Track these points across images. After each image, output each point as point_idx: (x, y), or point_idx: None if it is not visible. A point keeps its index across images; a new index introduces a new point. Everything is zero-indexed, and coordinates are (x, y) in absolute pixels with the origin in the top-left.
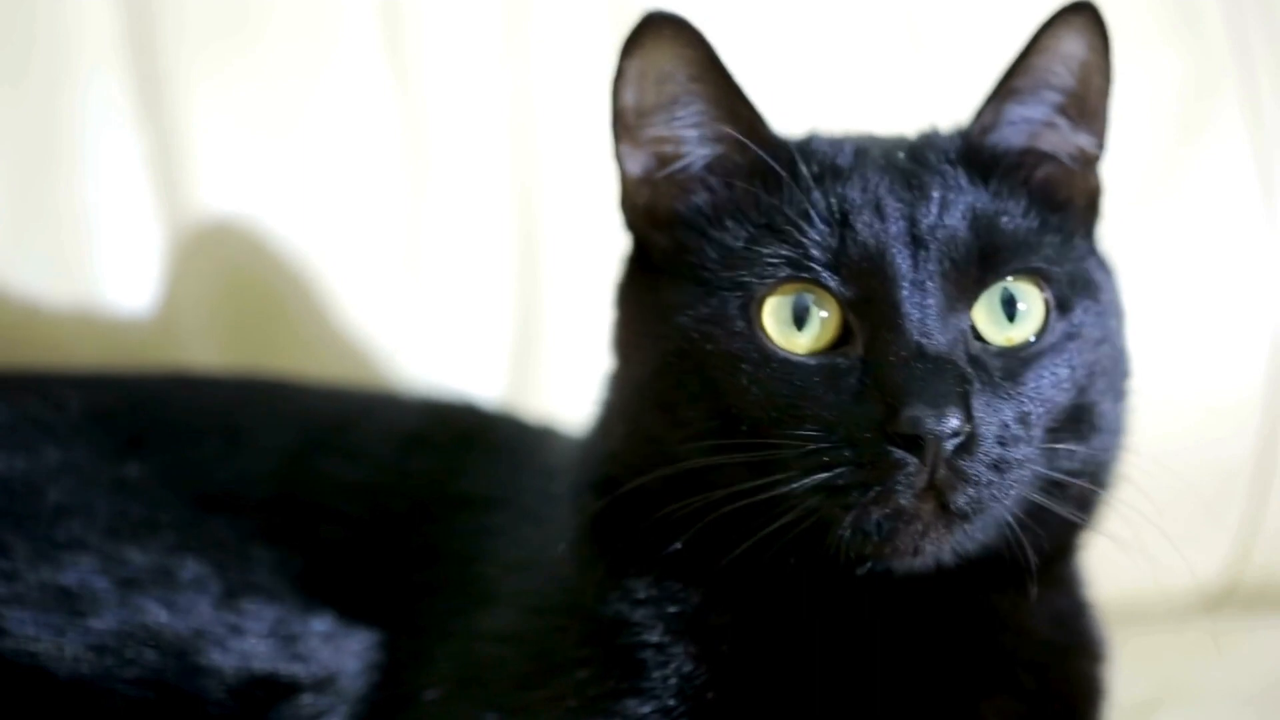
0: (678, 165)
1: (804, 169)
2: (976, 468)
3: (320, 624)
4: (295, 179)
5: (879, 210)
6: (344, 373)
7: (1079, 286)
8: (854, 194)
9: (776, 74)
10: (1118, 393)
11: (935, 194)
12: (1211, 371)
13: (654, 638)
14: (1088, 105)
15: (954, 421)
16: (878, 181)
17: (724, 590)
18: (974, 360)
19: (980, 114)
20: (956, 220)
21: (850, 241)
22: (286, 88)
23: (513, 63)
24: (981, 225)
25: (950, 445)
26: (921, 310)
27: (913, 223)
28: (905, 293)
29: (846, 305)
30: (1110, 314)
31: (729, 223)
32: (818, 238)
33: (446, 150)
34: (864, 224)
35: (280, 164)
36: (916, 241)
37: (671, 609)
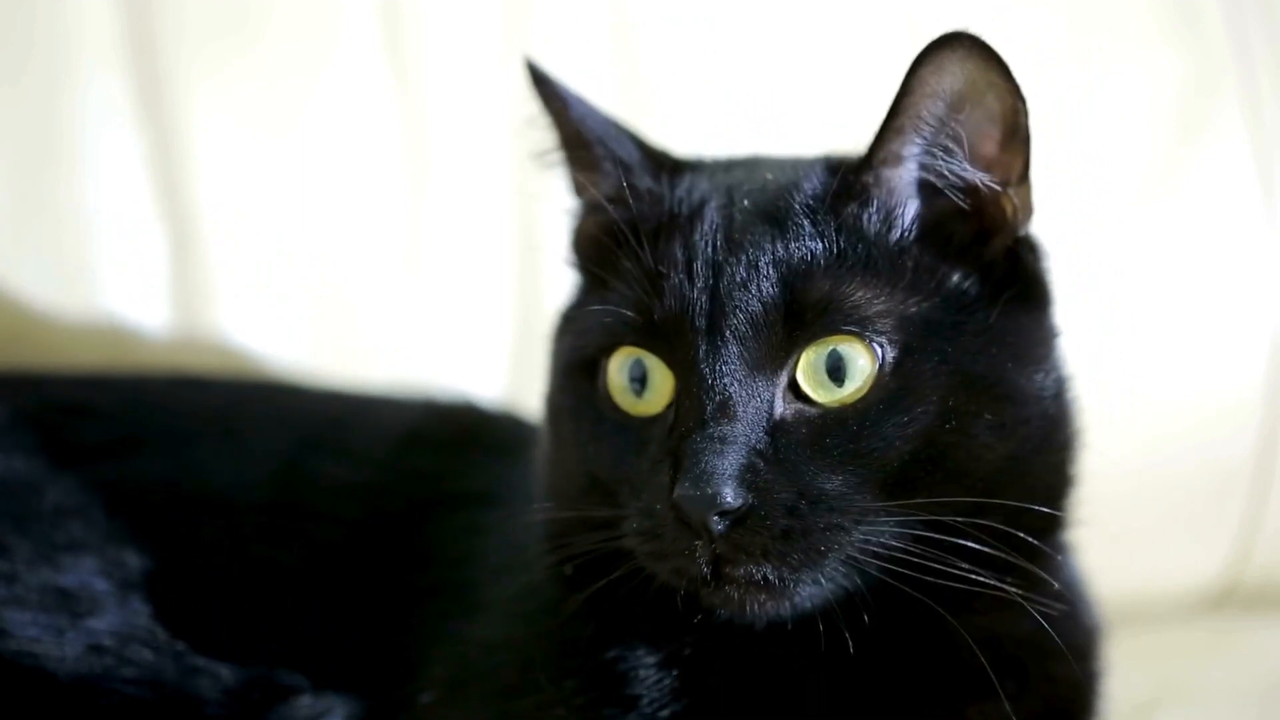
0: (578, 202)
1: (651, 224)
2: (760, 540)
3: (319, 625)
4: (295, 179)
5: (689, 269)
6: (343, 373)
7: (931, 332)
8: (676, 251)
9: (776, 74)
10: (1010, 430)
11: (750, 250)
12: (1211, 371)
13: (631, 650)
14: (979, 138)
15: (725, 500)
16: (704, 233)
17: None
18: (778, 426)
19: (868, 153)
20: (763, 278)
21: (659, 303)
22: (286, 88)
23: (513, 63)
24: (799, 282)
25: (720, 524)
26: (716, 375)
27: (716, 282)
28: (700, 357)
29: (670, 368)
30: (989, 351)
31: (585, 277)
32: (637, 298)
33: (446, 150)
34: (672, 285)
35: (280, 164)
36: (716, 303)
37: (642, 625)
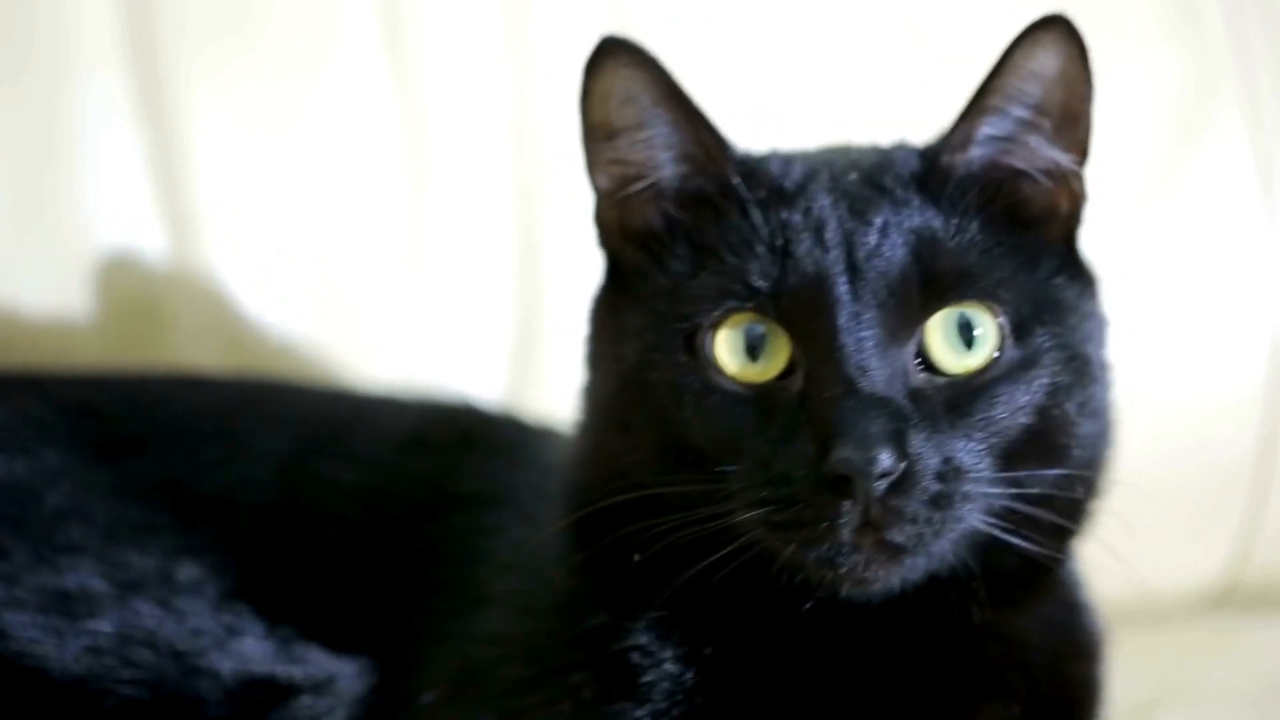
0: (638, 186)
1: (753, 194)
2: (913, 505)
3: (319, 626)
4: (295, 179)
5: (819, 236)
6: (343, 374)
7: (1041, 309)
8: (796, 219)
9: (776, 73)
10: (1093, 409)
11: (878, 219)
12: (1211, 371)
13: (642, 641)
14: (1063, 119)
15: (885, 462)
16: (823, 205)
17: (697, 603)
18: (915, 394)
19: (951, 132)
20: (897, 247)
21: (791, 270)
22: (286, 88)
23: (513, 63)
24: (926, 250)
25: (881, 486)
26: (858, 343)
27: (851, 249)
28: (842, 325)
29: (791, 335)
30: (1080, 330)
31: (679, 249)
32: (759, 266)
33: (446, 150)
34: (803, 251)
35: (280, 164)
36: (854, 270)
37: (654, 613)
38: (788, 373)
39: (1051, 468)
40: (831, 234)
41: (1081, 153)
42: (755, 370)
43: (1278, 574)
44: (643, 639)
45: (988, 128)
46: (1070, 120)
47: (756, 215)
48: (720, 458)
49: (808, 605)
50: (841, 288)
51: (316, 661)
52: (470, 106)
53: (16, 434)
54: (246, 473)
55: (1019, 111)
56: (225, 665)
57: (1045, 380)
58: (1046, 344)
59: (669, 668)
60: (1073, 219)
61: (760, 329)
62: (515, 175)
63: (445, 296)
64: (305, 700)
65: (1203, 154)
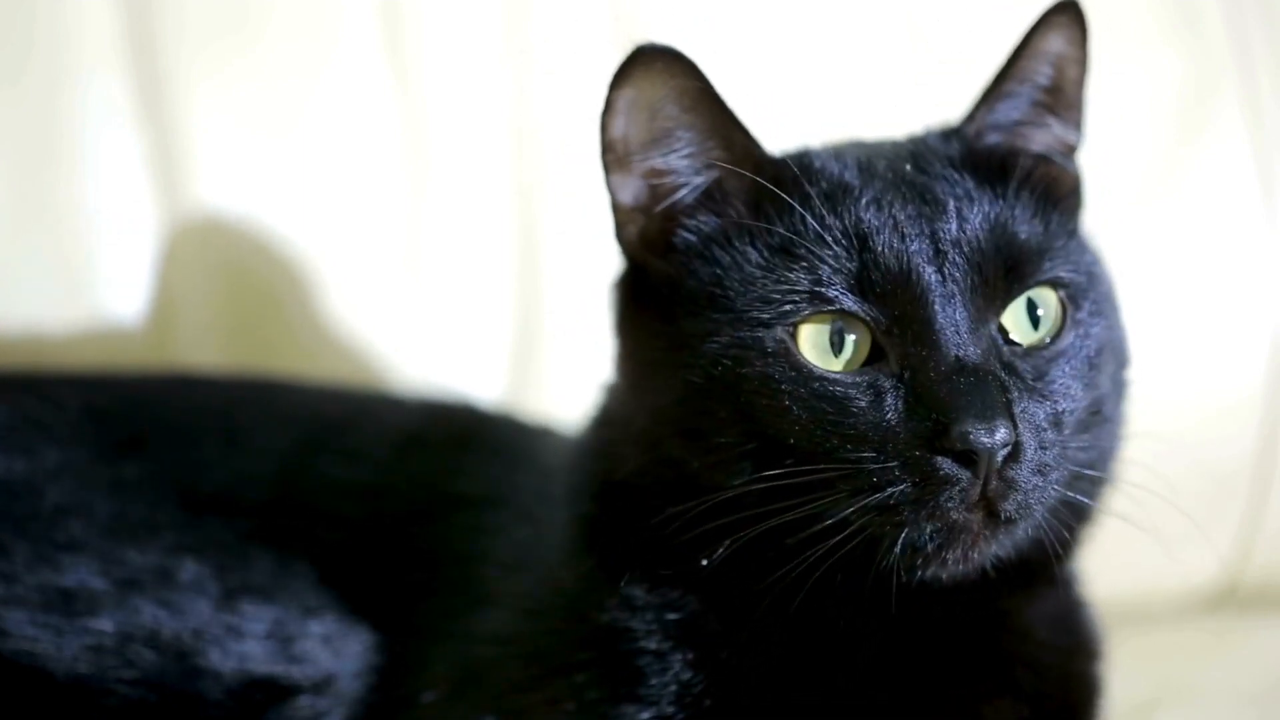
0: (676, 196)
1: (811, 190)
2: (1023, 474)
3: (318, 626)
4: (295, 179)
5: (898, 228)
6: (344, 373)
7: (1084, 282)
8: (869, 214)
9: (776, 73)
10: (1119, 382)
11: (952, 205)
12: (1211, 371)
13: (652, 644)
14: (1067, 97)
15: (1003, 433)
16: (890, 197)
17: (729, 601)
18: (1008, 366)
19: (973, 117)
20: (976, 231)
21: (872, 264)
22: (286, 88)
23: (513, 63)
24: (1000, 234)
25: (1001, 456)
26: (954, 324)
27: (934, 238)
28: (937, 308)
29: (875, 326)
30: (1108, 303)
31: (744, 248)
32: (837, 263)
33: (446, 150)
34: (885, 245)
35: (280, 164)
36: (940, 256)
37: (670, 616)
38: (872, 360)
39: (1096, 438)
40: (910, 225)
41: (1080, 131)
42: (838, 362)
43: (1278, 574)
44: (653, 642)
45: (1008, 111)
46: (1075, 99)
47: (825, 211)
48: (819, 448)
49: (872, 595)
50: (930, 275)
51: (316, 661)
52: (470, 106)
53: (17, 433)
54: (247, 471)
55: (1032, 93)
56: (226, 664)
57: (1094, 350)
58: (1093, 315)
59: (677, 671)
60: (1077, 199)
61: (840, 324)
62: (515, 175)
63: (445, 296)
64: (305, 700)
65: (1203, 154)
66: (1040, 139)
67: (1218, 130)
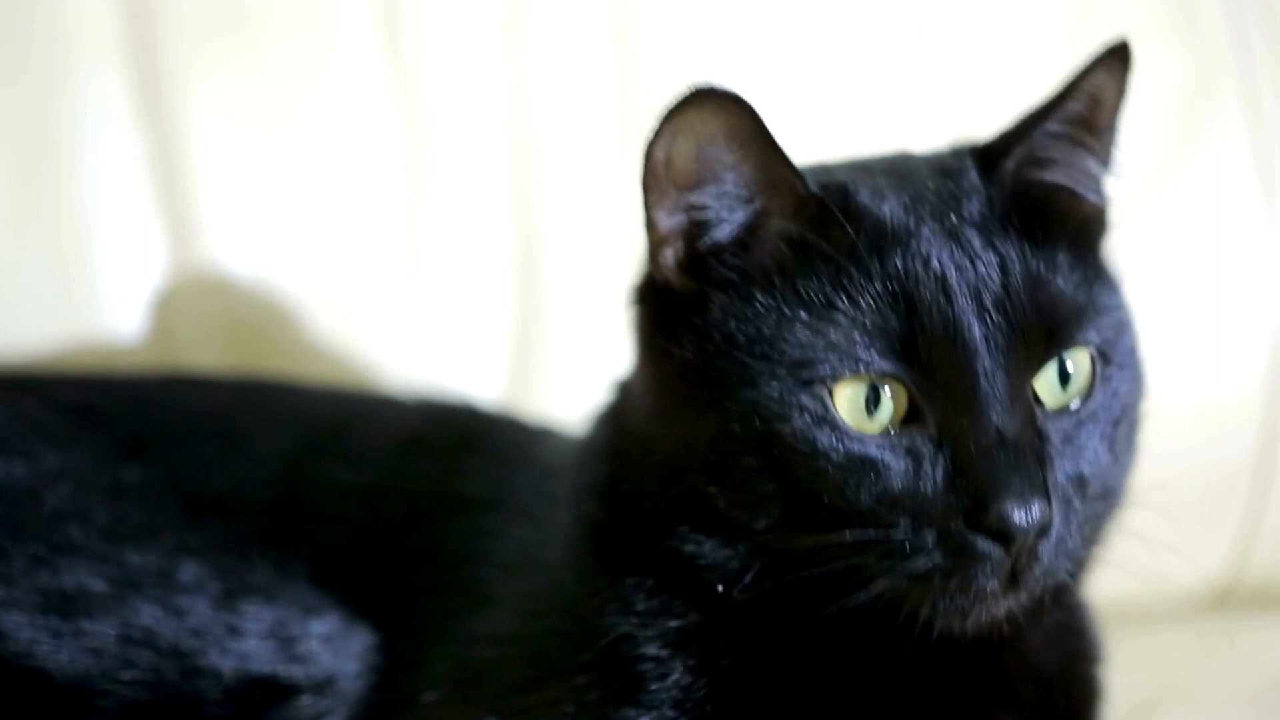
0: (718, 232)
1: (856, 237)
2: (1049, 547)
3: (319, 626)
4: (295, 179)
5: (945, 288)
6: (343, 374)
7: (1116, 335)
8: (915, 267)
9: (776, 72)
10: (1135, 422)
11: (995, 260)
12: (1211, 371)
13: (652, 650)
14: (1101, 129)
15: (1039, 513)
16: (935, 249)
17: (734, 616)
18: (1041, 434)
19: (1009, 151)
20: (1020, 291)
21: (917, 326)
22: (286, 88)
23: (513, 63)
24: (1042, 294)
25: (1035, 535)
26: (995, 390)
27: (979, 298)
28: (981, 377)
29: (915, 389)
30: (1131, 344)
31: (784, 292)
32: (882, 322)
33: (446, 150)
34: (930, 304)
35: (280, 164)
36: (985, 317)
37: (672, 623)
38: (907, 419)
39: (1118, 481)
40: (955, 282)
41: (1110, 163)
42: (872, 423)
43: (1278, 574)
44: (654, 648)
45: (1049, 150)
46: (1108, 132)
47: (868, 263)
48: (854, 508)
49: (873, 629)
50: (975, 337)
51: (317, 661)
52: (470, 107)
53: (16, 435)
54: (247, 473)
55: (1073, 131)
56: (226, 665)
57: (1120, 409)
58: (1120, 372)
59: (679, 677)
60: (1107, 226)
61: (878, 385)
62: (515, 175)
63: (445, 296)
64: (306, 700)
65: (1203, 154)
66: (1076, 176)
67: (1218, 130)
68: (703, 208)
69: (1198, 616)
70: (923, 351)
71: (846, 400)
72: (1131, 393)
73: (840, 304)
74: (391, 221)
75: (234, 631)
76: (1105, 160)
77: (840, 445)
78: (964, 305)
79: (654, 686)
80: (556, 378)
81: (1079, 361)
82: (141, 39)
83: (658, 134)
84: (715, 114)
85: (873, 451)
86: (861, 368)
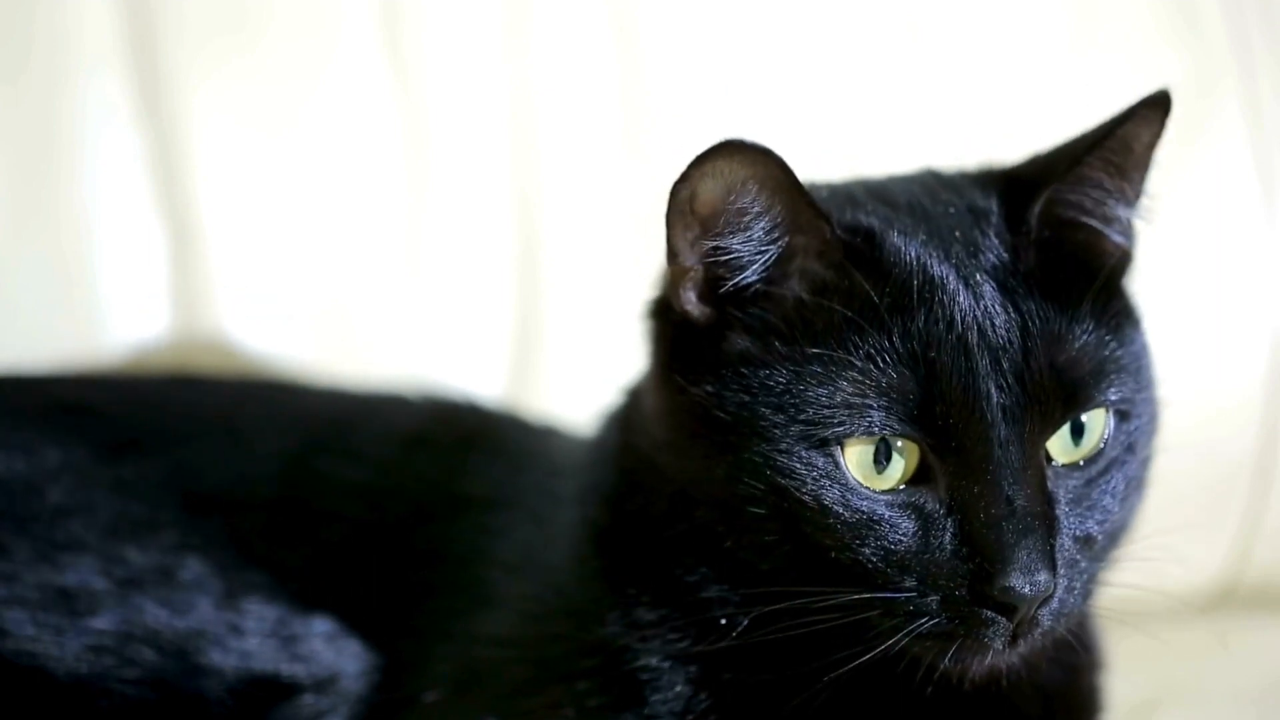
0: (741, 277)
1: (880, 292)
2: (1049, 613)
3: (321, 625)
4: (295, 179)
5: (965, 352)
6: (344, 373)
7: (1136, 385)
8: (937, 328)
9: (776, 72)
10: (1147, 459)
11: (1016, 322)
12: (1211, 371)
13: (653, 661)
14: (1133, 174)
15: (1043, 584)
16: (959, 313)
17: (736, 641)
18: (1050, 497)
19: (1037, 193)
20: (1039, 357)
21: (936, 391)
22: (286, 87)
23: (513, 63)
24: (1060, 356)
25: (1034, 608)
26: (1009, 460)
27: (998, 364)
28: (996, 446)
29: (929, 449)
30: (1152, 388)
31: (802, 344)
32: (900, 384)
33: (446, 150)
34: (951, 370)
35: (280, 164)
36: (1003, 384)
37: (672, 636)
38: (917, 478)
39: (1127, 524)
40: (975, 346)
41: (1139, 201)
42: (881, 480)
43: (1278, 574)
44: (656, 660)
45: (1080, 195)
46: (1142, 179)
47: (890, 319)
48: (860, 566)
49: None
50: (994, 406)
51: (319, 660)
52: (470, 107)
53: (17, 433)
54: (249, 471)
55: (1105, 177)
56: (227, 663)
57: (1136, 466)
58: (1143, 419)
59: (680, 689)
60: (1130, 265)
61: (893, 442)
62: (515, 176)
63: (445, 296)
64: (307, 699)
65: (1203, 154)
66: (1105, 219)
67: (1218, 130)
68: (728, 251)
69: (1198, 616)
70: (939, 417)
71: (856, 457)
72: (1147, 443)
73: (858, 361)
74: (391, 221)
75: (236, 630)
76: (1134, 202)
77: (849, 502)
78: (984, 371)
79: (655, 698)
80: (556, 377)
81: (1094, 419)
82: (141, 39)
83: (685, 177)
84: (744, 164)
85: (881, 510)
86: (876, 429)
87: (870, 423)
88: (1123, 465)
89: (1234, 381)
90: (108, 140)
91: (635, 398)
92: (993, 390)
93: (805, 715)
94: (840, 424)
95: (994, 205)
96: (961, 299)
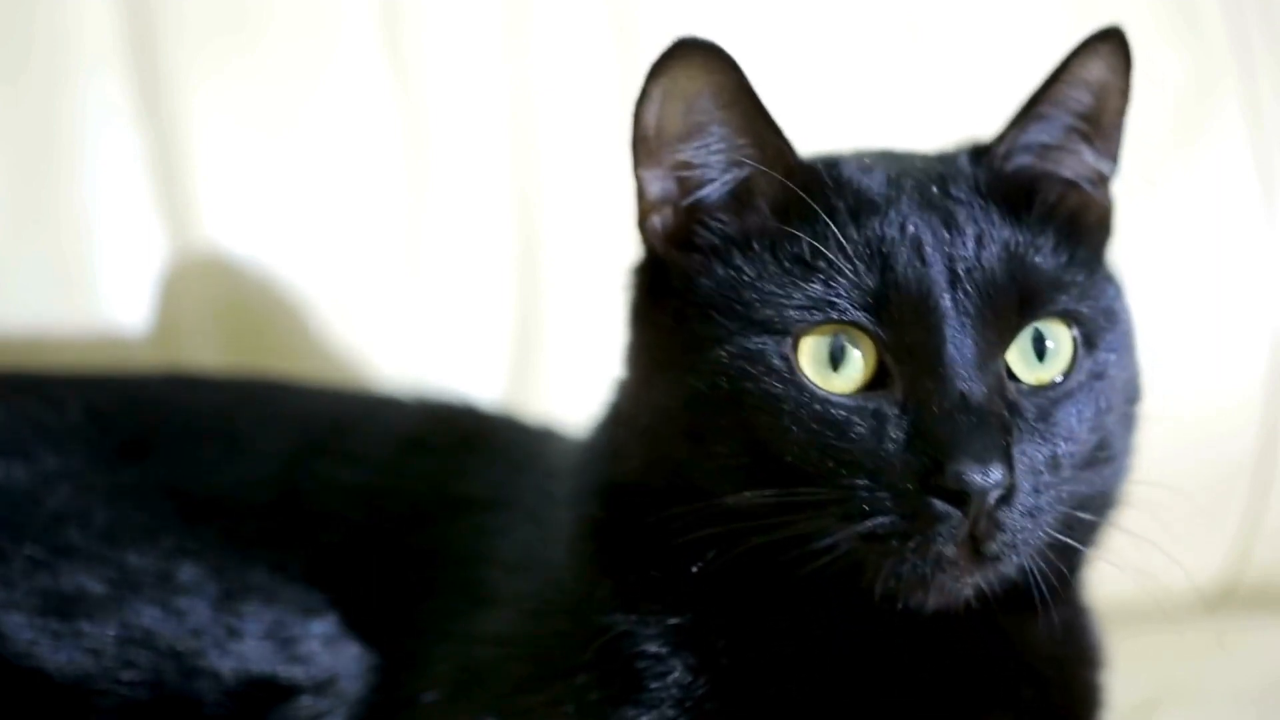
0: (703, 192)
1: (838, 202)
2: (1013, 516)
3: (319, 626)
4: (295, 179)
5: (919, 250)
6: (344, 374)
7: (1104, 321)
8: (892, 231)
9: (776, 72)
10: (1128, 419)
11: (972, 232)
12: (1211, 371)
13: (653, 648)
14: (1104, 127)
15: (998, 476)
16: (914, 217)
17: (729, 608)
18: (1011, 405)
19: (1003, 138)
20: (994, 261)
21: (890, 283)
22: (286, 88)
23: (513, 63)
24: (1016, 265)
25: (993, 498)
26: (963, 356)
27: (951, 263)
28: (948, 339)
29: (884, 347)
30: (1129, 338)
31: (762, 254)
32: (856, 278)
33: (446, 150)
34: (904, 265)
35: (280, 164)
36: (956, 284)
37: (671, 620)
38: (875, 384)
39: (1104, 474)
40: (930, 247)
41: (1115, 161)
42: (837, 381)
43: (1278, 574)
44: (654, 645)
45: (1040, 136)
46: (1112, 129)
47: (849, 224)
48: (814, 468)
49: (863, 612)
50: (945, 301)
51: (317, 661)
52: (470, 106)
53: (16, 435)
54: (247, 473)
55: (1068, 120)
56: (225, 665)
57: (1110, 390)
58: (1111, 355)
59: (678, 675)
60: (1106, 229)
61: (845, 339)
62: (515, 175)
63: (445, 296)
64: (306, 700)
65: (1203, 154)
66: (1072, 165)
67: (1218, 130)
68: (690, 166)
69: (1198, 616)
70: (894, 310)
71: (810, 355)
72: (1123, 384)
73: (818, 263)
74: (391, 221)
75: (233, 632)
76: (1108, 154)
77: (804, 403)
78: (937, 270)
79: (654, 685)
80: (556, 378)
81: (1058, 338)
82: (141, 39)
83: (644, 94)
84: (700, 67)
85: (836, 411)
86: (833, 314)
87: (828, 308)
88: (1090, 392)
89: (1234, 381)
90: (108, 140)
91: (621, 384)
92: (944, 287)
93: (800, 695)
94: (795, 316)
95: (961, 153)
96: (917, 210)
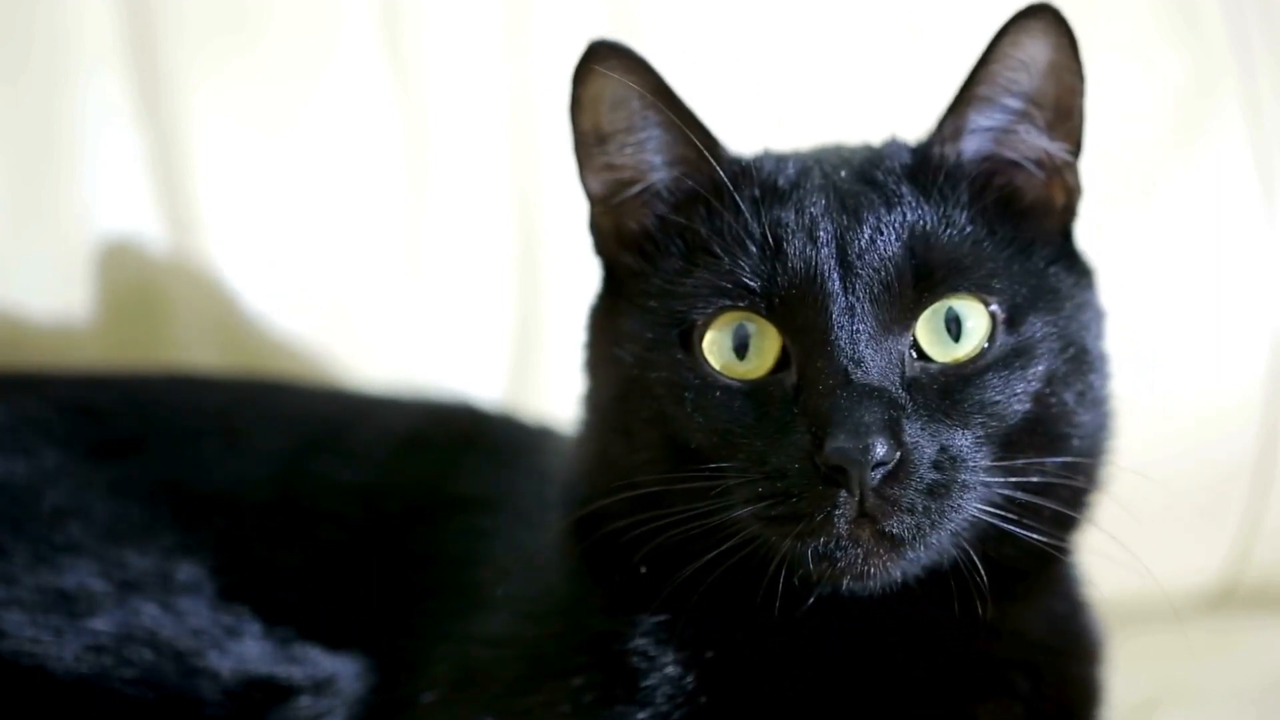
0: (633, 190)
1: (748, 193)
2: (909, 495)
3: (318, 627)
4: (295, 179)
5: (811, 234)
6: (343, 373)
7: (1034, 297)
8: (788, 217)
9: (776, 73)
10: (1092, 398)
11: (869, 215)
12: (1211, 371)
13: (641, 645)
14: (1055, 110)
15: (879, 451)
16: (814, 203)
17: (697, 605)
18: (911, 383)
19: (940, 124)
20: (890, 242)
21: (781, 268)
22: (286, 87)
23: (513, 63)
24: (919, 244)
25: (876, 475)
26: (852, 336)
27: (843, 246)
28: (835, 319)
29: (783, 331)
30: (1076, 320)
31: (673, 249)
32: (751, 264)
33: (446, 150)
34: (795, 249)
35: (280, 164)
36: (847, 266)
37: (656, 619)
38: (779, 368)
39: (1052, 456)
40: (823, 231)
41: (1075, 144)
42: (744, 368)
43: (1278, 574)
44: (643, 642)
45: (978, 117)
46: (1062, 111)
47: (749, 213)
48: (717, 454)
49: (808, 602)
50: (833, 283)
51: (316, 661)
52: (470, 107)
53: (16, 434)
54: (246, 472)
55: (1009, 101)
56: (224, 665)
57: (1041, 368)
58: (1041, 332)
59: (670, 671)
60: (1068, 211)
61: (749, 327)
62: (515, 175)
63: (445, 296)
64: (305, 700)
65: (1203, 154)
66: (1015, 146)
67: (1218, 130)
68: (619, 166)
69: (1198, 616)
70: (786, 295)
71: (714, 345)
72: (1060, 355)
73: (718, 251)
74: (391, 221)
75: (232, 632)
76: (1060, 134)
77: (705, 390)
78: (827, 250)
79: (647, 683)
80: (556, 378)
81: (972, 313)
82: (141, 39)
83: (572, 98)
84: (616, 69)
85: (733, 398)
86: (726, 301)
87: (723, 297)
88: (1012, 369)
89: (1234, 381)
90: (108, 140)
91: None
92: (834, 266)
93: (788, 690)
94: (698, 303)
95: (898, 144)
96: (819, 194)
